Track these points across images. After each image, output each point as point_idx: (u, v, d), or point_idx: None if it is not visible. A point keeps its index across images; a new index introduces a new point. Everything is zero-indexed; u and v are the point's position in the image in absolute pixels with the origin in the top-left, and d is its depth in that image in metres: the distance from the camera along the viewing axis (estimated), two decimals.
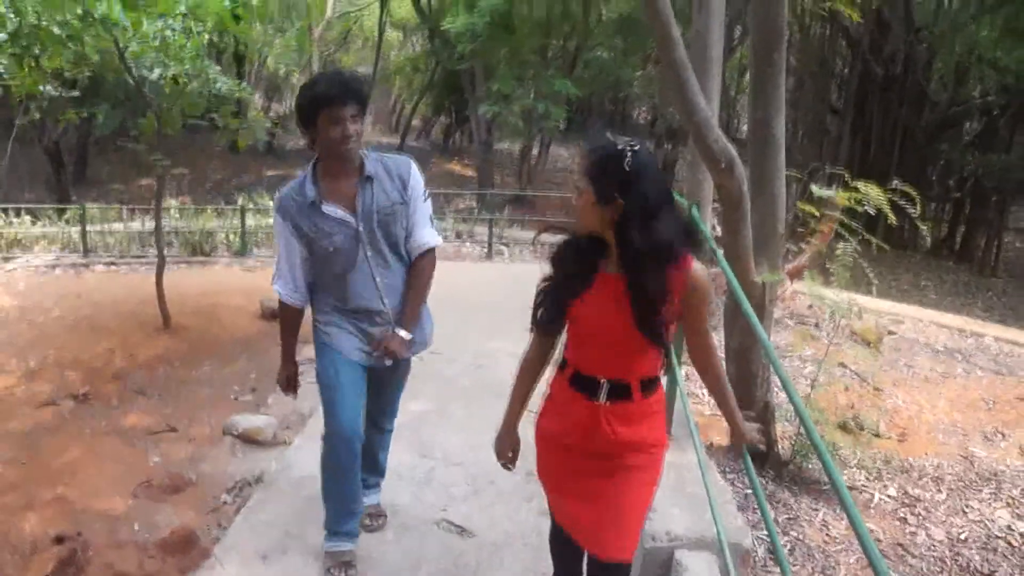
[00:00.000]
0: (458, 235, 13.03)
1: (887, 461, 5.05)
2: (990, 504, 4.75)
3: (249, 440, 4.79)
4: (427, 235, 3.08)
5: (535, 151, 19.51)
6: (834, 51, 20.36)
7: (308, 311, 3.19)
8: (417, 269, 3.10)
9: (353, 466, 3.18)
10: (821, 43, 19.78)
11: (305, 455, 3.93)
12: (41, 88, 6.73)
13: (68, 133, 17.10)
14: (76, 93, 7.26)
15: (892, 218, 4.85)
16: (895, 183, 4.92)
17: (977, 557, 4.16)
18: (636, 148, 2.02)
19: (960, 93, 18.56)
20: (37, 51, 6.13)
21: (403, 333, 3.05)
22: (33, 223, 11.76)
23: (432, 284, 3.17)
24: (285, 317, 3.14)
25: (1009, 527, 4.50)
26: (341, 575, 3.17)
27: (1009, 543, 4.34)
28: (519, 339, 6.99)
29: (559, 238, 2.24)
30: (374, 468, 3.55)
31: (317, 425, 3.25)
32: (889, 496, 4.67)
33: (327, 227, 2.91)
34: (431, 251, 3.12)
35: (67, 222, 11.54)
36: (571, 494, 2.32)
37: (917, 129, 18.36)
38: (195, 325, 7.44)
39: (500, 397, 5.03)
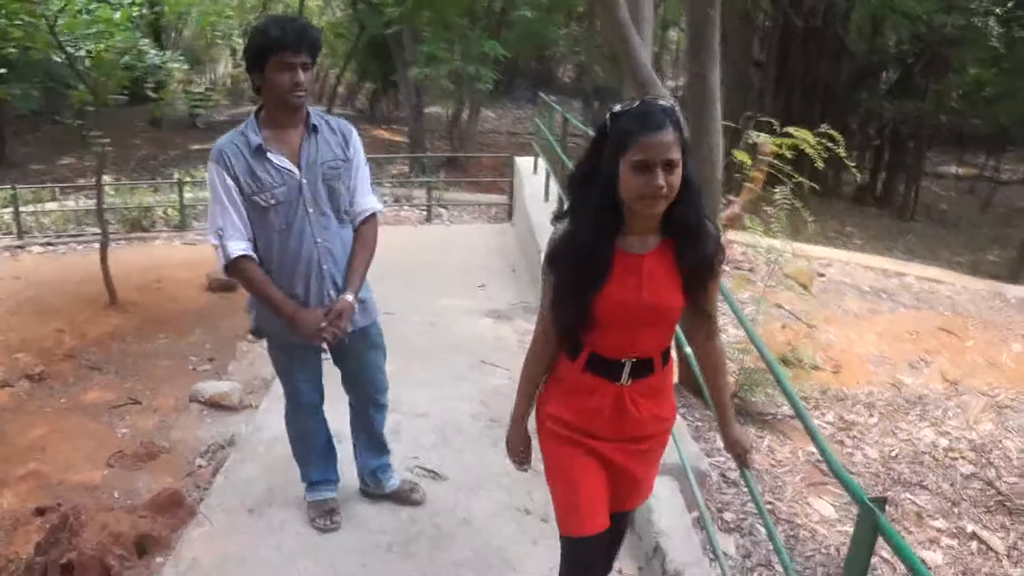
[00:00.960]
0: (396, 200, 13.07)
1: (824, 391, 5.41)
2: (916, 424, 5.16)
3: (216, 406, 4.88)
4: (369, 200, 2.97)
5: (465, 114, 19.44)
6: (756, 4, 20.67)
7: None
8: (361, 235, 2.96)
9: (322, 425, 3.30)
10: None
11: (274, 417, 3.97)
12: None
13: None
14: (3, 70, 7.05)
15: (821, 163, 5.13)
16: (823, 127, 5.21)
17: (907, 470, 4.55)
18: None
19: (876, 43, 19.12)
20: None
21: (349, 297, 2.84)
22: None
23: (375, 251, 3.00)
24: (252, 276, 2.77)
25: (933, 443, 4.93)
26: (326, 522, 3.29)
27: (934, 457, 4.76)
28: (467, 296, 7.17)
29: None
30: (382, 448, 3.46)
31: (280, 388, 3.26)
32: (827, 422, 5.02)
33: (270, 177, 2.72)
34: (373, 216, 2.98)
35: None
36: (592, 470, 2.11)
37: (837, 80, 18.89)
38: (143, 300, 7.41)
39: (457, 351, 5.28)
